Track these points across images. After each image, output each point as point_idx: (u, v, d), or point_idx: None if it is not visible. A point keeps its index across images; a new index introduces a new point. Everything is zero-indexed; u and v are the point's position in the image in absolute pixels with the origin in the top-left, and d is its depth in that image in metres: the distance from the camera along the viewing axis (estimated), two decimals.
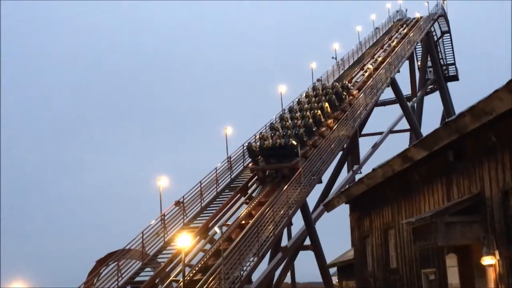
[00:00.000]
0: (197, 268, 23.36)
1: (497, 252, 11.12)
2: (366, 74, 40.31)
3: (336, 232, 36.01)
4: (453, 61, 54.80)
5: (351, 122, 33.13)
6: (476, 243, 11.70)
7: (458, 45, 56.10)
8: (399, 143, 33.83)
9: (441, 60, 53.91)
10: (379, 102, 41.45)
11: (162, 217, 25.14)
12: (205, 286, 21.13)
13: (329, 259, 29.68)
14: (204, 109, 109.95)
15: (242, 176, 29.83)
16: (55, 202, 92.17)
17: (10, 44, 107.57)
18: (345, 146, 33.71)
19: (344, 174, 37.42)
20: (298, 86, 40.30)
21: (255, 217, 25.38)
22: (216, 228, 24.70)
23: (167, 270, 23.42)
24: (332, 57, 44.92)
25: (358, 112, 34.55)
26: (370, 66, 40.97)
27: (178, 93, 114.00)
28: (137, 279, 23.36)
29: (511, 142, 10.75)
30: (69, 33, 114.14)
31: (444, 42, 55.31)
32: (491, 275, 11.14)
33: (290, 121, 32.11)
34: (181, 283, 20.79)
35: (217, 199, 27.85)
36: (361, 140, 37.55)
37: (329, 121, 32.92)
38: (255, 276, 25.08)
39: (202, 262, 23.64)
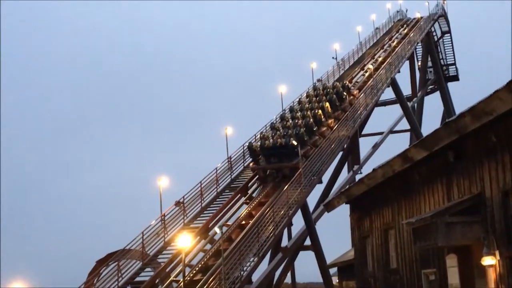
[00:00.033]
0: (197, 268, 23.37)
1: (497, 253, 11.12)
2: (367, 74, 40.33)
3: (336, 232, 36.00)
4: (453, 61, 54.84)
5: (352, 122, 33.14)
6: (477, 243, 11.70)
7: (458, 45, 56.21)
8: (399, 143, 33.82)
9: (442, 60, 53.94)
10: (379, 102, 41.47)
11: (162, 217, 25.15)
12: (205, 286, 21.14)
13: (329, 259, 29.68)
14: (204, 109, 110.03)
15: (242, 176, 29.84)
16: (55, 202, 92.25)
17: (10, 44, 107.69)
18: (345, 146, 33.72)
19: (344, 174, 37.46)
20: (298, 86, 40.34)
21: (255, 217, 25.38)
22: (216, 228, 24.69)
23: (167, 270, 23.43)
24: (333, 57, 44.98)
25: (359, 112, 34.56)
26: (371, 66, 40.99)
27: (178, 93, 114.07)
28: (137, 279, 23.36)
29: (511, 143, 10.75)
30: (69, 33, 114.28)
31: (445, 42, 55.34)
32: (491, 275, 11.14)
33: (290, 121, 32.15)
34: (181, 283, 20.80)
35: (217, 199, 27.86)
36: (362, 140, 37.59)
37: (330, 121, 32.94)
38: (255, 276, 25.09)
39: (202, 262, 23.65)
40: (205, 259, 23.76)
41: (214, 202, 27.64)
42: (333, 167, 35.77)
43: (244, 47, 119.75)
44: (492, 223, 11.30)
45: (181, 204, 26.06)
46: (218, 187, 28.27)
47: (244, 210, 27.11)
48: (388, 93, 42.29)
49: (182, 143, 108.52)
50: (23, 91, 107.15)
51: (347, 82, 38.44)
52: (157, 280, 23.01)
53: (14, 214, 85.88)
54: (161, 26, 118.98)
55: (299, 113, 32.77)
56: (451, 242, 11.96)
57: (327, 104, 33.59)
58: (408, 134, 43.46)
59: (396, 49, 43.03)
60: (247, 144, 30.66)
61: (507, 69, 76.73)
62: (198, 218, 26.56)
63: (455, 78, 54.51)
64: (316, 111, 32.52)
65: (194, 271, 23.19)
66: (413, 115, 43.37)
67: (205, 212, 26.97)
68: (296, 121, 31.56)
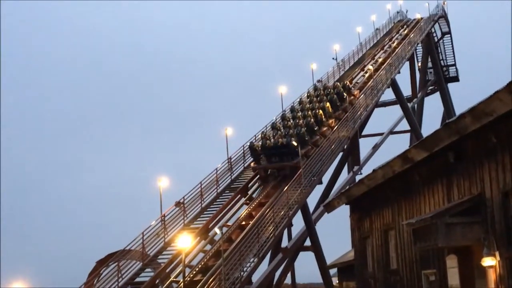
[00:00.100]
0: (197, 269, 23.38)
1: (497, 253, 11.12)
2: (367, 75, 40.35)
3: (336, 233, 36.00)
4: (453, 62, 54.83)
5: (352, 123, 33.15)
6: (477, 244, 11.70)
7: (458, 45, 56.17)
8: (399, 144, 33.79)
9: (442, 61, 53.93)
10: (379, 103, 41.46)
11: (163, 217, 25.15)
12: (205, 287, 21.13)
13: (329, 260, 29.68)
14: (204, 109, 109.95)
15: (242, 177, 29.85)
16: (55, 202, 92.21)
17: (10, 44, 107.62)
18: (345, 147, 33.73)
19: (344, 175, 37.46)
20: (299, 86, 40.35)
21: (255, 218, 25.38)
22: (216, 229, 24.68)
23: (167, 270, 23.42)
24: (333, 58, 44.96)
25: (359, 113, 34.57)
26: (371, 67, 41.00)
27: (178, 93, 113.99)
28: (137, 279, 23.36)
29: (511, 143, 10.75)
30: (69, 33, 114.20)
31: (445, 43, 55.33)
32: (492, 276, 11.14)
33: (291, 121, 32.22)
34: (181, 284, 20.80)
35: (218, 200, 27.87)
36: (362, 141, 37.61)
37: (331, 121, 32.99)
38: (255, 277, 25.09)
39: (203, 263, 23.65)
40: (205, 260, 23.76)
41: (214, 203, 27.64)
42: (333, 167, 35.80)
43: (244, 47, 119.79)
44: (492, 224, 11.30)
45: (181, 205, 26.07)
46: (218, 187, 28.28)
47: (244, 211, 27.12)
48: (388, 94, 42.33)
49: (182, 143, 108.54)
50: (23, 91, 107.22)
51: (348, 82, 38.46)
52: (157, 281, 23.00)
53: (14, 214, 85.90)
54: (161, 26, 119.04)
55: (300, 113, 32.84)
56: (451, 243, 11.97)
57: (328, 104, 33.62)
58: (408, 135, 43.46)
59: (396, 50, 43.04)
60: (248, 144, 30.71)
61: (507, 69, 76.72)
62: (198, 219, 26.56)
63: (455, 79, 54.52)
64: (317, 111, 32.56)
65: (194, 272, 23.19)
66: (413, 116, 43.38)
67: (205, 212, 26.98)
68: (297, 121, 31.63)
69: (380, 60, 43.05)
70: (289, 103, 36.04)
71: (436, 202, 13.68)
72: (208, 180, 27.99)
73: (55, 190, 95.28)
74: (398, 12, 55.49)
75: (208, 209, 27.18)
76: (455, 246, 12.28)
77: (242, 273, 22.46)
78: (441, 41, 55.02)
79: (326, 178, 33.22)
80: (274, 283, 32.27)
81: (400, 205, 15.82)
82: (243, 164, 30.65)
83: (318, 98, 35.06)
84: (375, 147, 38.41)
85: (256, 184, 29.50)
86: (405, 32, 49.55)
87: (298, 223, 29.50)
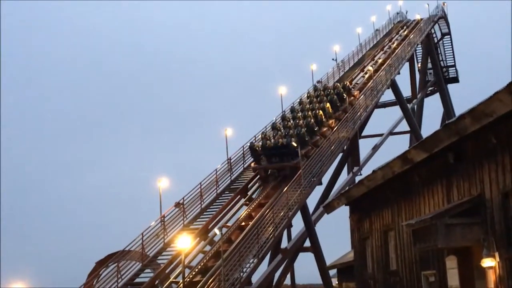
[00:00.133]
0: (197, 270, 23.36)
1: (497, 254, 11.12)
2: (366, 76, 40.34)
3: (336, 234, 36.00)
4: (453, 63, 54.85)
5: (351, 123, 33.14)
6: (476, 245, 11.70)
7: (458, 45, 56.15)
8: (399, 145, 33.77)
9: (441, 62, 53.94)
10: (379, 104, 41.44)
11: (162, 218, 25.14)
12: None
13: (329, 261, 29.70)
14: (204, 109, 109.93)
15: (242, 178, 29.85)
16: (55, 202, 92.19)
17: (10, 44, 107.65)
18: (345, 147, 33.73)
19: (344, 176, 37.44)
20: (298, 86, 40.35)
21: (255, 218, 25.37)
22: (216, 230, 24.67)
23: (167, 271, 23.41)
24: (332, 59, 44.95)
25: (358, 114, 34.56)
26: (370, 68, 40.98)
27: (178, 93, 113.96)
28: (137, 280, 23.34)
29: (511, 144, 10.75)
30: (69, 33, 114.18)
31: (445, 44, 55.33)
32: (491, 277, 11.14)
33: (292, 121, 32.24)
34: (181, 285, 20.78)
35: (217, 201, 27.85)
36: (361, 141, 37.59)
37: (331, 121, 33.00)
38: (255, 278, 25.08)
39: (202, 264, 23.63)
40: (205, 261, 23.74)
41: (214, 204, 27.64)
42: (333, 168, 35.79)
43: (244, 47, 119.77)
44: (492, 225, 11.30)
45: (181, 205, 26.06)
46: (217, 188, 28.28)
47: (243, 212, 27.11)
48: (388, 95, 42.33)
49: (182, 143, 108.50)
50: (23, 91, 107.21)
51: (348, 83, 38.45)
52: (156, 281, 22.98)
53: (14, 214, 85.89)
54: (161, 26, 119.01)
55: (300, 114, 32.86)
56: (451, 244, 11.97)
57: (328, 104, 33.65)
58: (408, 135, 43.45)
59: (396, 51, 43.03)
60: (248, 144, 30.73)
61: (507, 69, 76.74)
62: (198, 220, 26.55)
63: (455, 79, 54.54)
64: (317, 112, 32.58)
65: (194, 272, 23.18)
66: (413, 117, 43.37)
67: (204, 213, 26.97)
68: (297, 121, 31.66)
69: (380, 61, 43.04)
70: (289, 103, 36.08)
71: (436, 203, 13.68)
72: (207, 181, 27.99)
73: (55, 190, 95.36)
74: (398, 13, 55.49)
75: (208, 210, 27.17)
76: (455, 247, 12.28)
77: (241, 274, 22.44)
78: (441, 42, 55.03)
79: (325, 179, 33.21)
80: (274, 284, 32.25)
81: (399, 206, 15.82)
82: (242, 165, 30.64)
83: (318, 99, 35.06)
84: (375, 148, 38.41)
85: (256, 185, 29.51)
86: (405, 33, 49.54)
87: (298, 224, 29.52)
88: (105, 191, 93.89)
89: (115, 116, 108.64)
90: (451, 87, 53.41)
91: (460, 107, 38.47)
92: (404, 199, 15.49)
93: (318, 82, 40.16)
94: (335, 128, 31.94)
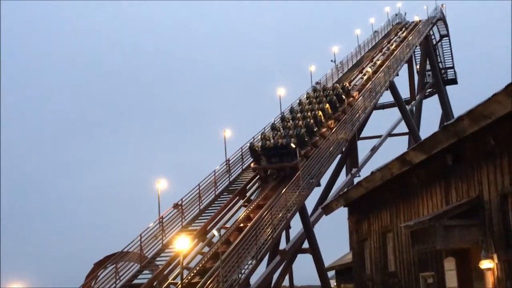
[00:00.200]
0: (195, 271, 23.34)
1: (495, 256, 11.11)
2: (365, 77, 40.35)
3: (334, 235, 35.95)
4: (451, 65, 54.92)
5: (350, 125, 33.16)
6: (475, 246, 11.70)
7: (457, 45, 56.31)
8: (397, 146, 33.87)
9: (440, 64, 54.00)
10: (377, 105, 41.47)
11: (160, 219, 25.13)
12: None
13: (327, 262, 29.64)
14: (204, 109, 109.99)
15: (240, 179, 29.85)
16: (55, 202, 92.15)
17: (10, 44, 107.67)
18: (343, 149, 33.74)
19: (342, 177, 37.46)
20: (298, 86, 40.43)
21: (254, 220, 25.37)
22: (214, 231, 24.64)
23: (165, 272, 23.41)
24: (331, 60, 44.98)
25: (357, 115, 34.58)
26: (369, 69, 41.00)
27: (178, 93, 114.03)
28: (135, 281, 23.34)
29: (509, 146, 10.75)
30: (69, 33, 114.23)
31: (443, 46, 55.41)
32: (490, 278, 11.13)
33: (291, 122, 32.27)
34: (179, 286, 20.76)
35: (216, 202, 27.86)
36: (360, 143, 37.59)
37: (330, 122, 33.04)
38: (253, 279, 25.09)
39: (200, 265, 23.62)
40: (203, 262, 23.73)
41: (212, 205, 27.64)
42: (331, 170, 35.84)
43: (244, 47, 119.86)
44: (490, 227, 11.30)
45: (179, 207, 26.05)
46: (216, 189, 28.27)
47: (242, 213, 27.11)
48: (387, 96, 42.38)
49: (182, 143, 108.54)
50: (23, 91, 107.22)
51: (347, 84, 38.47)
52: (155, 283, 22.98)
53: (14, 214, 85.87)
54: (161, 26, 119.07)
55: (299, 114, 32.88)
56: (449, 245, 11.96)
57: (327, 105, 33.68)
58: (406, 137, 43.49)
59: (395, 52, 43.06)
60: (248, 144, 30.77)
61: (507, 70, 76.81)
62: (196, 221, 26.55)
63: (454, 81, 54.61)
64: (316, 112, 32.60)
65: (192, 274, 23.16)
66: (412, 118, 43.40)
67: (203, 214, 26.97)
68: (297, 121, 31.69)
69: (378, 62, 43.07)
70: (289, 103, 36.13)
71: (434, 204, 13.67)
72: (206, 182, 27.98)
73: (55, 190, 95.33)
74: (396, 15, 55.54)
75: (206, 211, 27.17)
76: (453, 249, 12.27)
77: (240, 275, 22.43)
78: (440, 43, 55.12)
79: (324, 180, 33.28)
80: (272, 285, 32.24)
81: (398, 208, 15.81)
82: (241, 166, 30.64)
83: (318, 99, 35.10)
84: (374, 150, 38.41)
85: (255, 186, 29.51)
86: (404, 34, 49.59)
87: (296, 225, 29.54)
88: (105, 191, 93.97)
89: (115, 116, 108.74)
90: (449, 88, 53.52)
91: (458, 109, 38.48)
92: (402, 201, 15.48)
93: (316, 83, 40.20)
94: (333, 130, 31.96)
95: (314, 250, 29.44)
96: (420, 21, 52.45)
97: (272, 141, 29.74)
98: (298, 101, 36.24)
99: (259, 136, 31.48)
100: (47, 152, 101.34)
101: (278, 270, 30.22)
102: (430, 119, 48.72)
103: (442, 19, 54.28)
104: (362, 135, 41.51)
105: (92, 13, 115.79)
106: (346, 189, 21.00)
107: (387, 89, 39.71)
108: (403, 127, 42.62)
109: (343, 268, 24.69)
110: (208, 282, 21.30)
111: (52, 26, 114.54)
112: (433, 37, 53.38)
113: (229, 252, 22.90)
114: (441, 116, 50.56)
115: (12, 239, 75.80)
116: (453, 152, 12.48)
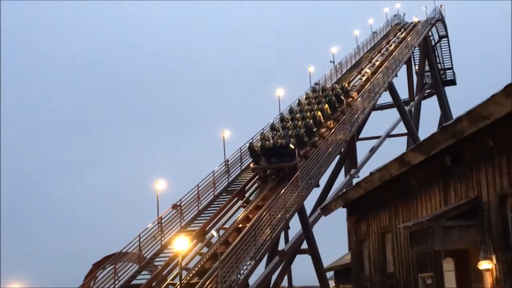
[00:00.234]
0: (194, 272, 23.33)
1: (494, 257, 11.12)
2: (364, 78, 40.35)
3: (333, 236, 36.02)
4: (450, 66, 54.92)
5: (349, 126, 33.16)
6: (473, 247, 11.70)
7: (456, 46, 56.31)
8: (396, 147, 33.89)
9: (439, 65, 54.00)
10: (376, 106, 41.45)
11: (159, 220, 25.12)
12: None
13: (326, 263, 29.67)
14: (204, 109, 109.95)
15: (239, 180, 29.85)
16: (55, 202, 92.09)
17: (10, 44, 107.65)
18: (342, 150, 33.73)
19: (341, 178, 37.43)
20: (298, 86, 40.43)
21: (252, 220, 25.36)
22: (213, 232, 24.65)
23: (164, 273, 23.40)
24: (330, 61, 45.00)
25: (356, 116, 34.58)
26: (368, 70, 41.01)
27: (178, 93, 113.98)
28: (134, 282, 23.32)
29: (508, 147, 10.75)
30: (69, 33, 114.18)
31: (442, 47, 55.43)
32: (488, 279, 11.14)
33: (290, 122, 32.29)
34: (178, 287, 20.76)
35: (214, 203, 27.85)
36: (359, 144, 37.56)
37: (329, 122, 33.05)
38: (252, 280, 25.07)
39: (199, 266, 23.61)
40: (202, 262, 23.72)
41: (211, 205, 27.63)
42: (330, 170, 35.78)
43: (244, 47, 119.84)
44: (489, 227, 11.30)
45: (178, 207, 26.04)
46: (215, 190, 28.27)
47: (241, 213, 27.11)
48: (385, 97, 42.36)
49: (182, 143, 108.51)
50: (23, 91, 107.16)
51: (346, 84, 38.48)
52: (153, 283, 22.97)
53: (14, 214, 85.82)
54: (161, 26, 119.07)
55: (299, 115, 32.90)
56: (448, 246, 11.96)
57: (326, 106, 33.70)
58: (405, 138, 43.48)
59: (394, 53, 43.07)
60: (246, 146, 30.76)
61: (507, 70, 76.79)
62: (195, 221, 26.54)
63: (452, 82, 54.61)
64: (316, 113, 32.62)
65: (191, 275, 23.15)
66: (410, 119, 43.40)
67: (202, 215, 26.96)
68: (296, 122, 31.70)
69: (377, 63, 43.07)
70: (289, 103, 36.13)
71: (433, 205, 13.68)
72: (205, 183, 27.98)
73: (55, 190, 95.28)
74: (395, 16, 55.55)
75: (205, 212, 27.17)
76: (452, 250, 12.28)
77: (239, 276, 22.43)
78: (438, 44, 55.11)
79: (323, 181, 33.25)
80: (271, 286, 32.21)
81: (397, 208, 15.82)
82: (240, 167, 30.64)
83: (317, 100, 35.11)
84: (372, 150, 38.39)
85: (254, 186, 29.51)
86: (403, 35, 49.59)
87: (295, 226, 29.53)
88: (105, 191, 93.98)
89: (115, 116, 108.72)
90: (448, 89, 53.53)
91: (457, 110, 38.33)
92: (401, 202, 15.49)
93: (315, 84, 40.22)
94: (332, 130, 31.98)
95: (313, 251, 29.42)
96: (419, 22, 52.46)
97: (271, 141, 29.75)
98: (297, 101, 36.26)
99: (259, 136, 31.49)
100: (47, 152, 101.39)
101: (277, 271, 30.20)
102: (429, 120, 48.77)
103: (441, 20, 54.30)
104: (361, 136, 41.46)
105: (92, 13, 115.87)
106: (345, 190, 21.00)
107: (386, 90, 39.70)
108: (402, 128, 42.65)
109: (342, 268, 24.72)
110: (207, 282, 21.29)
111: (52, 26, 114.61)
112: (432, 38, 53.39)
113: (228, 252, 22.89)
114: (440, 117, 50.57)
115: (12, 239, 75.88)
116: (452, 153, 12.49)
